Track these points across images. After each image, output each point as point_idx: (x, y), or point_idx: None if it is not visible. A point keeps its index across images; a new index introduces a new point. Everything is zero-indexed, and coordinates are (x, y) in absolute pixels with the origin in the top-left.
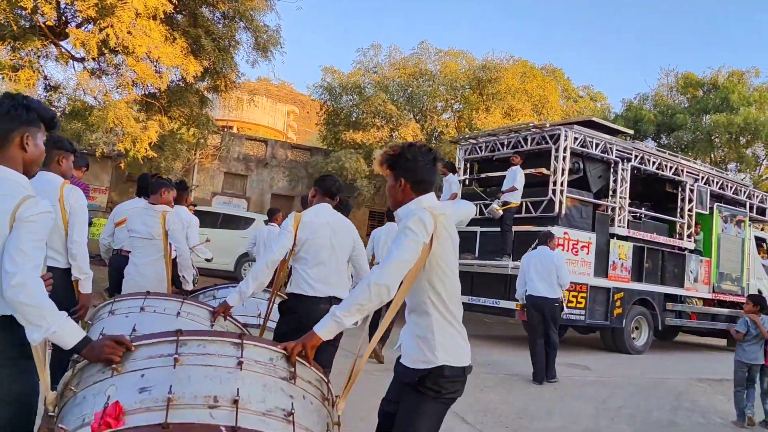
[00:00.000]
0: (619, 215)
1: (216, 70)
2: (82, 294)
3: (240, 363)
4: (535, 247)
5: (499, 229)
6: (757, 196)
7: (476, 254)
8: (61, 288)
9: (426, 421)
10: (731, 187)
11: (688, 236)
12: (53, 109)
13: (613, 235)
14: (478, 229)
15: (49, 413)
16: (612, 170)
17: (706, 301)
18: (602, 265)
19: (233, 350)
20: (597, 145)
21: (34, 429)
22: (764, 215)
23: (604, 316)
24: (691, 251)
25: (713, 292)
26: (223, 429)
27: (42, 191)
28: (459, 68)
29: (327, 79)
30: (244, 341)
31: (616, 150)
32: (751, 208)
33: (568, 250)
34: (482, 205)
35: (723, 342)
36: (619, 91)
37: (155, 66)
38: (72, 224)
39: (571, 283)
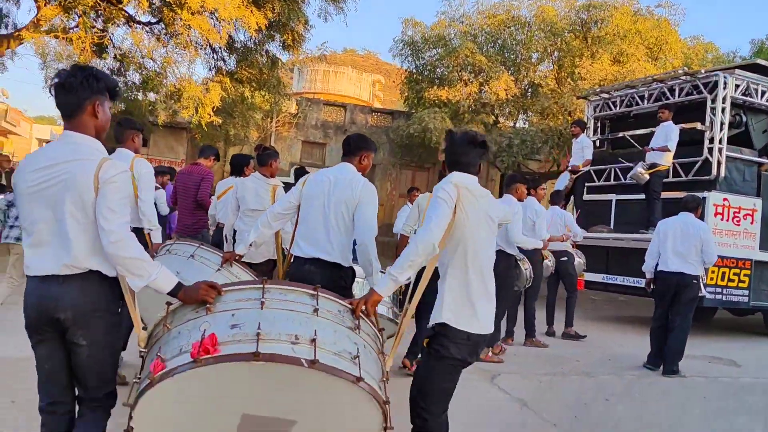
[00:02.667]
0: None
1: (282, 23)
2: (153, 244)
3: (316, 310)
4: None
5: (641, 196)
6: None
7: (612, 226)
8: None
9: (435, 380)
10: None
11: None
12: (120, 79)
13: None
14: (613, 197)
15: (140, 348)
16: None
17: None
18: None
19: (309, 300)
20: (763, 93)
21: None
22: None
23: None
24: None
25: None
26: (303, 361)
27: None
28: (557, 12)
29: (408, 32)
30: (319, 293)
31: None
32: None
33: (728, 220)
34: (618, 170)
35: None
36: (730, 40)
37: (213, 21)
38: (140, 188)
39: (732, 258)
